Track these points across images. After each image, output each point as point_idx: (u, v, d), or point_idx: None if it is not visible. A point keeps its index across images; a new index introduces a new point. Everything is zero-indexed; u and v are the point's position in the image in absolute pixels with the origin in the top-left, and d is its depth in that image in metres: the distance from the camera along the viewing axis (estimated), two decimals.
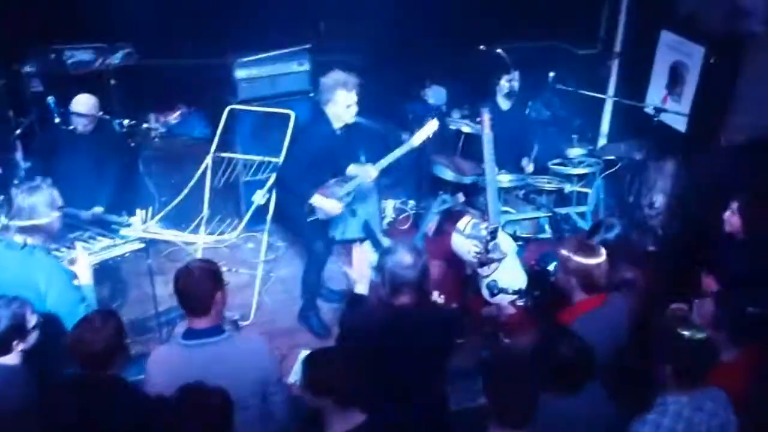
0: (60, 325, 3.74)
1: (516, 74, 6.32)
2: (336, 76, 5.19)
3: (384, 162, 5.36)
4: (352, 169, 5.48)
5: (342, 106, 5.19)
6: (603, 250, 3.79)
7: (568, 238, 4.14)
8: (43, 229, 3.89)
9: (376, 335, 3.61)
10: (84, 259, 4.15)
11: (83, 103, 5.49)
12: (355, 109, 5.23)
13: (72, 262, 4.14)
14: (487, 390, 2.93)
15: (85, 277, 4.07)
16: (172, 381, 2.99)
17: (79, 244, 4.39)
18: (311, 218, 5.37)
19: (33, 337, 3.51)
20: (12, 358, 3.45)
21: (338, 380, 3.05)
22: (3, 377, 3.40)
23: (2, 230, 3.92)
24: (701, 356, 3.10)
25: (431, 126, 5.31)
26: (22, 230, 3.82)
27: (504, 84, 6.36)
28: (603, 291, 3.81)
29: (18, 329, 3.42)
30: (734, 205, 4.36)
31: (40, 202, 3.87)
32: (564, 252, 3.80)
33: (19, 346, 3.45)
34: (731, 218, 4.37)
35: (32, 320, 3.49)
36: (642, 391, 3.29)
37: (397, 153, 5.34)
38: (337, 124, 5.29)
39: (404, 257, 3.61)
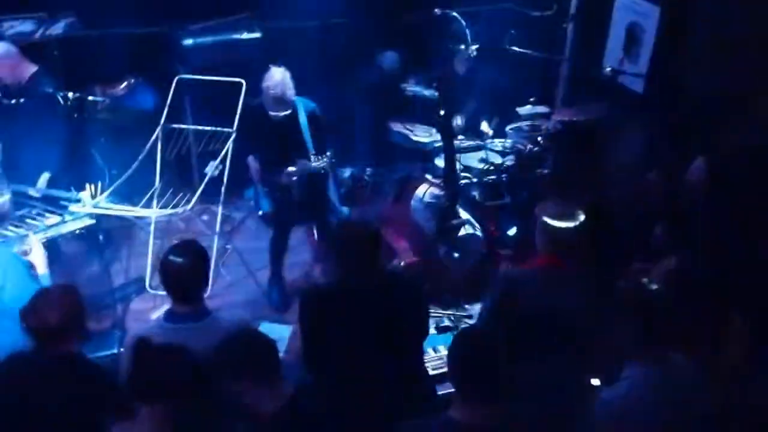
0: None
1: (471, 38, 6.31)
2: None
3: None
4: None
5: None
6: (580, 215, 3.75)
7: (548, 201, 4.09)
8: None
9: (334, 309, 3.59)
10: (39, 248, 4.08)
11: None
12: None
13: (26, 252, 4.06)
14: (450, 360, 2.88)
15: (41, 266, 4.01)
16: None
17: (32, 235, 4.26)
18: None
19: None
20: None
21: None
22: None
23: None
24: (663, 314, 3.09)
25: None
26: None
27: (460, 48, 6.35)
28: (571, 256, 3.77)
29: None
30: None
31: None
32: (538, 211, 3.79)
33: None
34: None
35: None
36: (608, 357, 3.31)
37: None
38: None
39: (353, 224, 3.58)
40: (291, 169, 5.26)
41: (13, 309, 3.52)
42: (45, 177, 5.33)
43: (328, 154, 5.26)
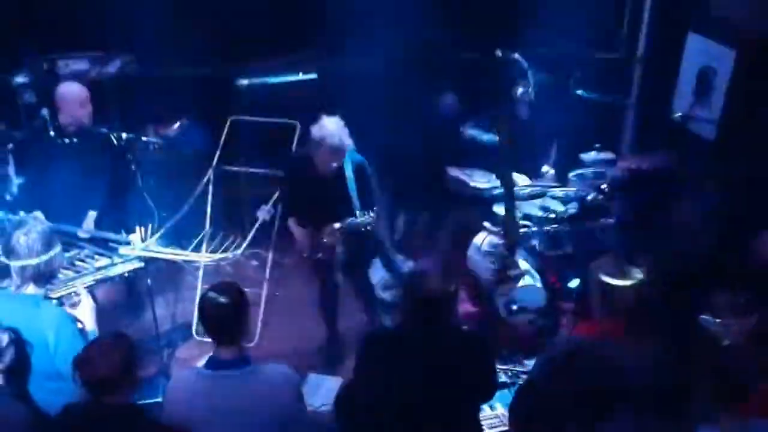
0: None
1: (533, 81, 6.32)
2: None
3: None
4: None
5: None
6: (637, 274, 3.71)
7: (603, 256, 4.03)
8: (43, 268, 3.82)
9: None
10: (87, 303, 4.11)
11: (68, 92, 5.44)
12: None
13: (74, 305, 4.12)
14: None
15: (89, 322, 4.04)
16: (192, 409, 3.00)
17: (82, 290, 4.31)
18: None
19: (9, 355, 3.42)
20: None
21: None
22: None
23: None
24: (741, 369, 3.03)
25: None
26: (22, 275, 3.77)
27: (522, 91, 6.36)
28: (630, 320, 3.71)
29: None
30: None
31: (37, 239, 3.80)
32: (593, 267, 3.75)
33: None
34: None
35: (4, 339, 3.42)
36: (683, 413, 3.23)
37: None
38: None
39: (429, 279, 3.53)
40: (336, 225, 5.20)
41: (66, 370, 3.59)
42: (92, 216, 5.44)
43: (374, 209, 5.17)
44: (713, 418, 3.01)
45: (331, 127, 5.07)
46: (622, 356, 3.45)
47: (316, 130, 5.09)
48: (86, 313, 4.06)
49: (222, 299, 3.35)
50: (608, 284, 3.64)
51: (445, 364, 3.49)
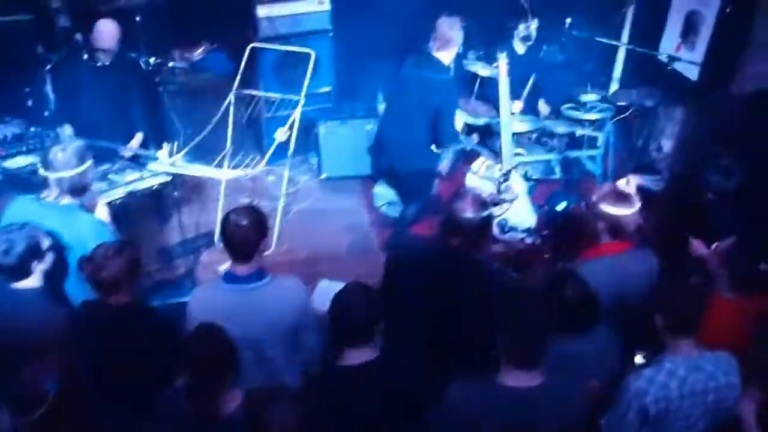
0: None
1: (534, 19, 6.31)
2: None
3: None
4: None
5: None
6: (636, 201, 3.75)
7: (604, 185, 4.06)
8: (78, 180, 3.86)
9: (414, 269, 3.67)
10: (103, 210, 4.13)
11: (105, 29, 5.45)
12: None
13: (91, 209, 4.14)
14: (499, 326, 2.92)
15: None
16: (211, 320, 3.11)
17: (100, 200, 4.31)
18: None
19: (49, 258, 3.58)
20: (33, 281, 3.53)
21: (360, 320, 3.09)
22: (27, 300, 3.49)
23: (41, 191, 3.95)
24: (688, 306, 3.08)
25: None
26: (60, 187, 3.84)
27: (521, 29, 6.36)
28: (629, 240, 3.78)
29: (34, 250, 3.49)
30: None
31: (72, 154, 3.84)
32: (596, 197, 3.79)
33: (38, 267, 3.52)
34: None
35: (46, 242, 3.56)
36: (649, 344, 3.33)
37: None
38: None
39: (467, 205, 3.58)
40: None
41: None
42: (138, 137, 5.57)
43: None
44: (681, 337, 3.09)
45: None
46: (619, 276, 3.60)
47: None
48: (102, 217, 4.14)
49: (242, 222, 3.41)
50: (612, 214, 3.70)
51: (462, 290, 3.57)
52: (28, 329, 3.37)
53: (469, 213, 3.54)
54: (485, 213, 3.59)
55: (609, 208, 3.70)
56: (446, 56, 5.13)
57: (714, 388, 3.06)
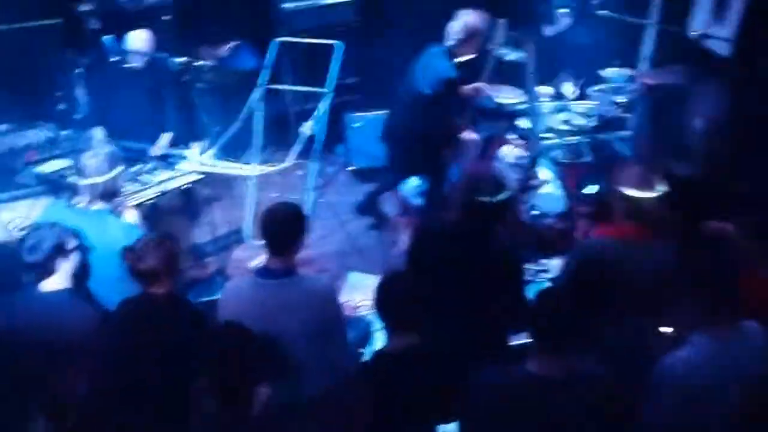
0: None
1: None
2: None
3: None
4: None
5: None
6: (659, 186, 3.61)
7: (628, 166, 3.92)
8: (109, 185, 3.92)
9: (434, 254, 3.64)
10: (131, 213, 4.20)
11: (138, 39, 5.53)
12: None
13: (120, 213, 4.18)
14: (529, 312, 2.88)
15: None
16: (243, 313, 3.12)
17: (129, 203, 4.40)
18: None
19: (76, 258, 3.59)
20: (59, 280, 3.52)
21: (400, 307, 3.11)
22: (58, 302, 3.48)
23: (72, 197, 3.96)
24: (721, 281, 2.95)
25: None
26: (91, 193, 3.88)
27: (549, 10, 6.24)
28: (650, 225, 3.63)
29: (60, 248, 3.50)
30: None
31: (103, 160, 3.91)
32: (618, 179, 3.65)
33: (62, 266, 3.52)
34: None
35: (72, 242, 3.58)
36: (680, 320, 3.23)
37: None
38: None
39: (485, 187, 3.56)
40: None
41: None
42: (167, 137, 5.56)
43: None
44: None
45: None
46: (633, 260, 3.50)
47: None
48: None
49: (283, 216, 3.44)
50: (632, 197, 3.56)
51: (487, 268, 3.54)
52: (62, 331, 3.37)
53: (486, 196, 3.49)
54: (503, 196, 3.54)
55: (630, 191, 3.58)
56: (466, 49, 5.06)
57: (747, 361, 2.93)
